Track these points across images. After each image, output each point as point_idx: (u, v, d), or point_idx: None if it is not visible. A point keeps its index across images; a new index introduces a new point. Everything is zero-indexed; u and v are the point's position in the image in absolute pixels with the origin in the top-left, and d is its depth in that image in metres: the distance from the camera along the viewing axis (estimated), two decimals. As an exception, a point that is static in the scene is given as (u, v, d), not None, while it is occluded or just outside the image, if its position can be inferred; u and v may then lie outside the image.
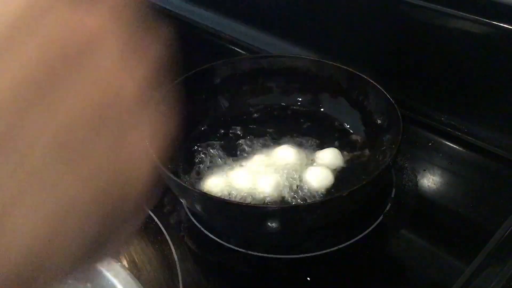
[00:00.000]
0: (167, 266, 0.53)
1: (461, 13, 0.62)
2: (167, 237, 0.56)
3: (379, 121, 0.62)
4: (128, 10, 0.20)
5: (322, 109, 0.69)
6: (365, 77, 0.63)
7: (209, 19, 1.00)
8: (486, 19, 0.60)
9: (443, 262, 0.53)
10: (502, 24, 0.59)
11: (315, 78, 0.68)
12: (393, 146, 0.54)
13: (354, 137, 0.64)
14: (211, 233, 0.57)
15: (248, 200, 0.55)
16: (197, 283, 0.52)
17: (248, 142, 0.64)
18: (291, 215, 0.50)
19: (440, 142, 0.69)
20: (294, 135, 0.64)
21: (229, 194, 0.56)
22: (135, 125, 0.20)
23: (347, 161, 0.60)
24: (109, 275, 0.39)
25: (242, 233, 0.57)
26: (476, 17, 0.61)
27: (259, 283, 0.53)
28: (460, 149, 0.68)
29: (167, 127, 0.21)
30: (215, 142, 0.64)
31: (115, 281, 0.39)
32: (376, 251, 0.55)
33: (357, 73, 0.64)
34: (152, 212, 0.59)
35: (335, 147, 0.61)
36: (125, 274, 0.39)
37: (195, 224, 0.58)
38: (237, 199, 0.55)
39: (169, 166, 0.53)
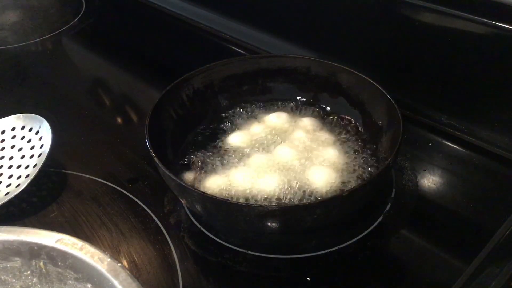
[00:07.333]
0: (167, 266, 0.53)
1: (461, 13, 0.62)
2: (167, 237, 0.56)
3: (379, 121, 0.62)
4: None
5: (322, 108, 0.69)
6: (365, 77, 0.63)
7: (209, 19, 1.00)
8: (486, 19, 0.60)
9: (443, 262, 0.53)
10: (502, 24, 0.59)
11: (315, 78, 0.68)
12: (393, 146, 0.54)
13: (354, 132, 0.64)
14: (211, 233, 0.57)
15: (248, 200, 0.55)
16: (197, 283, 0.52)
17: (248, 142, 0.64)
18: (291, 215, 0.50)
19: (440, 142, 0.69)
20: (295, 134, 0.64)
21: (229, 194, 0.56)
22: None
23: (348, 159, 0.60)
24: (109, 275, 0.39)
25: (242, 232, 0.57)
26: (476, 17, 0.61)
27: (259, 283, 0.53)
28: (460, 149, 0.68)
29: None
30: (215, 142, 0.64)
31: (115, 281, 0.38)
32: (376, 251, 0.55)
33: (357, 73, 0.64)
34: (152, 212, 0.59)
35: (336, 146, 0.61)
36: (125, 274, 0.39)
37: (195, 224, 0.58)
38: (237, 199, 0.55)
39: (169, 165, 0.53)
